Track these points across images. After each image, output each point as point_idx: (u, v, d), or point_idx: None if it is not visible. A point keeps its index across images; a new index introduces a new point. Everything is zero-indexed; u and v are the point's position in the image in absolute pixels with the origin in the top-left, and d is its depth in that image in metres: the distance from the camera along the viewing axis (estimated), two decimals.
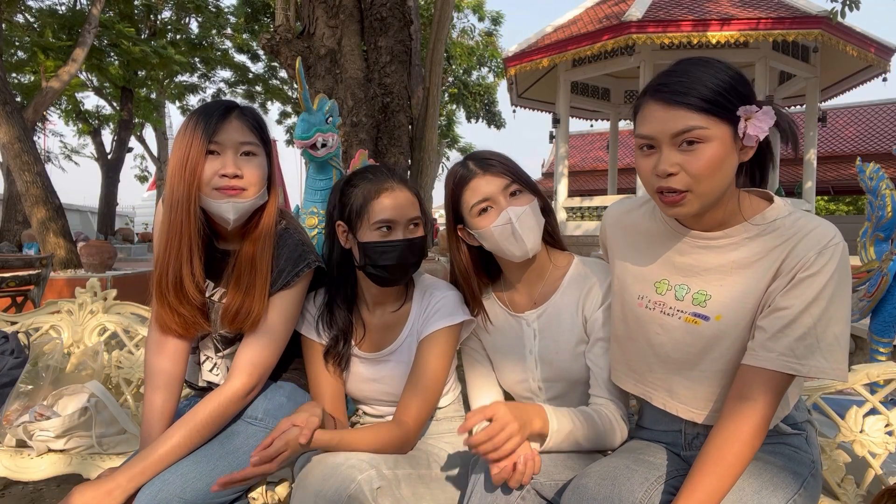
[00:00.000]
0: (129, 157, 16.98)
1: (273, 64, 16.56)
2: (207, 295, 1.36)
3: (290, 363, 1.46)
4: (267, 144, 1.31)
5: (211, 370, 1.42)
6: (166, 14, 15.22)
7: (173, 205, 1.21)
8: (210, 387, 1.42)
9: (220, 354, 1.40)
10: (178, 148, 1.22)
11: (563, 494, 1.04)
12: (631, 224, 1.24)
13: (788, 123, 1.03)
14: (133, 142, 17.56)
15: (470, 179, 1.28)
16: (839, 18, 5.83)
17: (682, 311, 1.10)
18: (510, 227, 1.24)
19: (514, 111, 11.26)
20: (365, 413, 1.48)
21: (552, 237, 1.38)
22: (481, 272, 1.41)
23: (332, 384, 1.38)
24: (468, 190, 1.28)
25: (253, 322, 1.26)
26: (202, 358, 1.43)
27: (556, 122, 10.14)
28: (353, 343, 1.41)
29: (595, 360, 1.28)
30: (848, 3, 5.52)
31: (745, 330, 1.03)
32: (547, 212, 1.35)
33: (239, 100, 1.61)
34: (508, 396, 1.48)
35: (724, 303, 1.05)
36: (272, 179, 1.33)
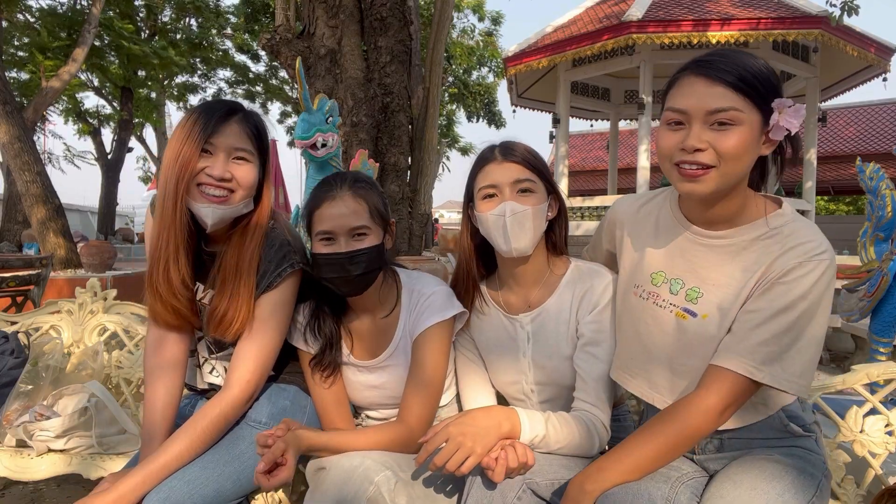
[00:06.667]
0: (129, 158, 17.01)
1: (273, 64, 16.56)
2: (198, 298, 1.35)
3: (287, 364, 1.45)
4: (263, 154, 1.29)
5: (210, 372, 1.41)
6: (166, 14, 15.21)
7: (164, 196, 1.21)
8: (212, 388, 1.42)
9: (213, 356, 1.40)
10: (175, 140, 1.20)
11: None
12: (643, 216, 1.26)
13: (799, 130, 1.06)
14: (133, 142, 17.57)
15: (488, 163, 1.30)
16: (839, 22, 5.85)
17: (674, 305, 1.12)
18: (502, 220, 1.24)
19: (514, 111, 11.23)
20: (368, 416, 1.48)
21: (555, 245, 1.37)
22: (480, 260, 1.41)
23: (331, 391, 1.38)
24: (482, 172, 1.30)
25: (238, 329, 1.25)
26: (201, 360, 1.43)
27: (556, 122, 10.11)
28: (347, 352, 1.40)
29: (581, 365, 1.27)
30: (847, 8, 5.55)
31: (727, 332, 1.05)
32: (558, 219, 1.35)
33: (242, 100, 1.57)
34: (501, 398, 1.46)
35: (714, 303, 1.06)
36: (263, 189, 1.31)
